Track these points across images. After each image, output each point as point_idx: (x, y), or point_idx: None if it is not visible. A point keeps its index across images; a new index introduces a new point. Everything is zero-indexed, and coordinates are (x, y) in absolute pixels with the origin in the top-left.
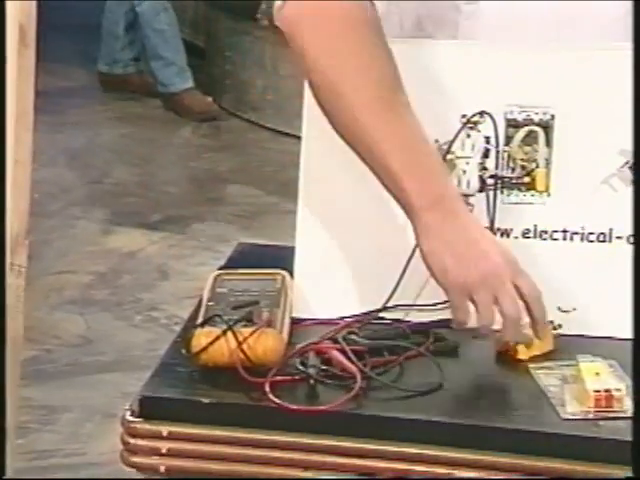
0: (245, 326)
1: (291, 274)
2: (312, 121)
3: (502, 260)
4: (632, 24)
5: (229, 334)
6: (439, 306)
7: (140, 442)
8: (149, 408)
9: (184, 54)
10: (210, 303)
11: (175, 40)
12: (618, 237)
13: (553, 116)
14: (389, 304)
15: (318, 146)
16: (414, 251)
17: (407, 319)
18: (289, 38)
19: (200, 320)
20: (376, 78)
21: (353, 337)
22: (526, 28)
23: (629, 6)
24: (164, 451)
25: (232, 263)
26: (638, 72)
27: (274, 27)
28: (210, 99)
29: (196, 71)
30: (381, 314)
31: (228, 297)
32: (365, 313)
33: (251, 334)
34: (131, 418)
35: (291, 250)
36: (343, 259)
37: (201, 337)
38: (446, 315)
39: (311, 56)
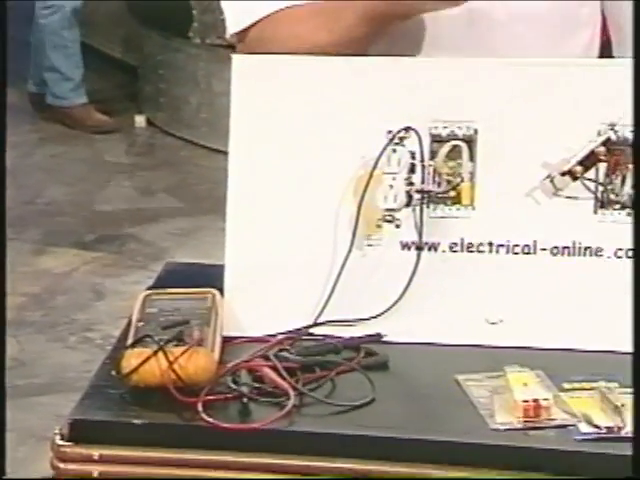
0: (176, 346)
1: (221, 292)
2: (239, 138)
3: None
4: (632, 24)
5: (160, 354)
6: (370, 321)
7: (71, 466)
8: (79, 431)
9: (82, 69)
10: (140, 324)
11: (76, 57)
12: (542, 249)
13: (476, 130)
14: (320, 320)
15: (245, 163)
16: (344, 266)
17: (338, 334)
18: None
19: (130, 341)
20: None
21: (285, 354)
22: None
23: None
24: (96, 475)
25: (161, 283)
26: (638, 73)
27: (207, 45)
28: (105, 117)
29: (129, 89)
30: (312, 330)
31: (158, 317)
32: (296, 329)
33: (182, 353)
34: (61, 442)
35: (221, 268)
36: (273, 276)
37: (131, 358)
38: (376, 329)
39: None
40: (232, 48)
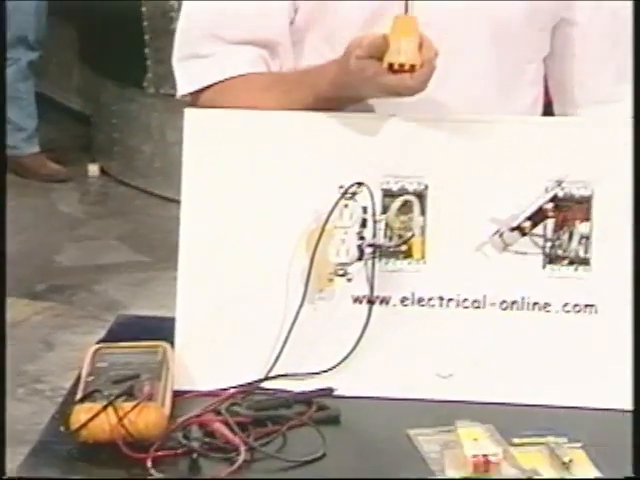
0: (126, 401)
1: (173, 345)
2: (191, 192)
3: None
4: (632, 25)
5: (109, 409)
6: (322, 375)
7: None
8: None
9: (36, 120)
10: (89, 378)
11: (30, 108)
12: (492, 303)
13: (427, 186)
14: (272, 374)
15: (197, 216)
16: (296, 320)
17: (290, 388)
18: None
19: (79, 396)
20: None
21: (236, 408)
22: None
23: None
24: None
25: (112, 336)
26: (638, 76)
27: (161, 95)
28: (58, 166)
29: (83, 139)
30: (264, 384)
31: (108, 371)
32: (248, 383)
33: (132, 409)
34: None
35: (172, 320)
36: (225, 329)
37: (80, 413)
38: (328, 383)
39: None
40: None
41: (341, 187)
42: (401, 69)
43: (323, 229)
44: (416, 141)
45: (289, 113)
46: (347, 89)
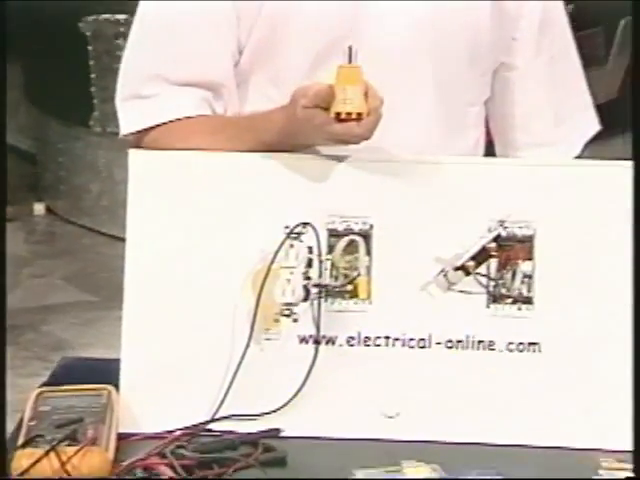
0: (69, 445)
1: (118, 388)
2: (136, 232)
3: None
4: (632, 25)
5: (52, 454)
6: (268, 416)
7: None
8: None
9: None
10: (32, 422)
11: None
12: (437, 342)
13: (372, 226)
14: (218, 415)
15: (142, 257)
16: (242, 360)
17: (236, 430)
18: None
19: (21, 441)
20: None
21: (182, 451)
22: None
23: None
24: None
25: (56, 379)
26: (637, 80)
27: (108, 133)
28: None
29: (28, 177)
30: (210, 426)
31: (51, 415)
32: (194, 425)
33: (75, 453)
34: None
35: (117, 362)
36: (170, 370)
37: (22, 459)
38: (275, 424)
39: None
40: None
41: (287, 227)
42: (348, 117)
43: (269, 269)
44: (361, 181)
45: (234, 154)
46: (294, 137)
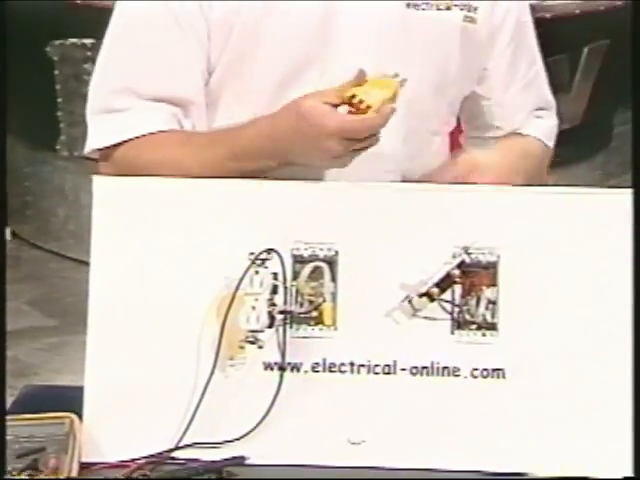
0: (30, 475)
1: (80, 416)
2: (100, 258)
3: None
4: (631, 26)
5: None
6: (233, 443)
7: None
8: None
9: None
10: None
11: None
12: (402, 369)
13: (337, 252)
14: (182, 443)
15: (107, 283)
16: (206, 388)
17: (201, 458)
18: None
19: None
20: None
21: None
22: None
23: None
24: None
25: (18, 407)
26: (637, 79)
27: (75, 157)
28: None
29: None
30: (174, 454)
31: (12, 445)
32: (158, 453)
33: None
34: None
35: (81, 390)
36: (134, 398)
37: None
38: (240, 452)
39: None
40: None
41: (251, 254)
42: (357, 108)
43: (234, 296)
44: (326, 207)
45: (199, 180)
46: (278, 143)
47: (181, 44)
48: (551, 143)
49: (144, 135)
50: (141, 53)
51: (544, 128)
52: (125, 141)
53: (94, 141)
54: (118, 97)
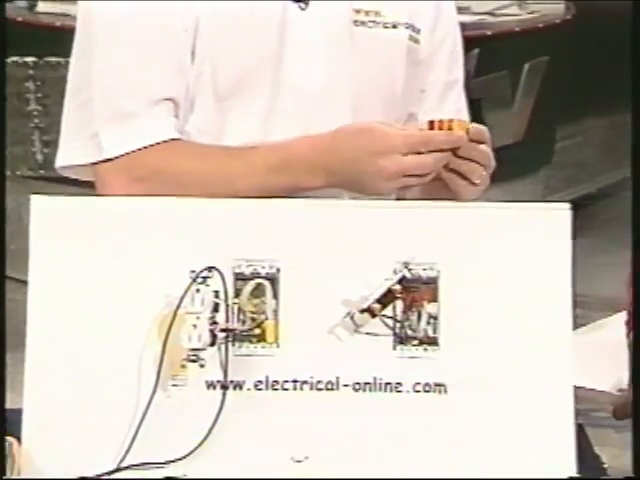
0: None
1: (19, 439)
2: (38, 278)
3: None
4: (631, 26)
5: None
6: (175, 463)
7: None
8: None
9: None
10: None
11: None
12: (345, 385)
13: (279, 269)
14: (124, 464)
15: (45, 304)
16: (148, 408)
17: (143, 478)
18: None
19: None
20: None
21: None
22: None
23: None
24: None
25: None
26: (637, 77)
27: (17, 176)
28: None
29: None
30: (115, 475)
31: None
32: (98, 475)
33: None
34: None
35: (20, 413)
36: (74, 419)
37: None
38: (182, 471)
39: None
40: (44, 180)
41: (192, 272)
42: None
43: (175, 315)
44: (267, 224)
45: (137, 199)
46: (331, 157)
47: (171, 44)
48: None
49: (160, 142)
50: (138, 56)
51: None
52: (140, 148)
53: (108, 150)
54: (128, 103)
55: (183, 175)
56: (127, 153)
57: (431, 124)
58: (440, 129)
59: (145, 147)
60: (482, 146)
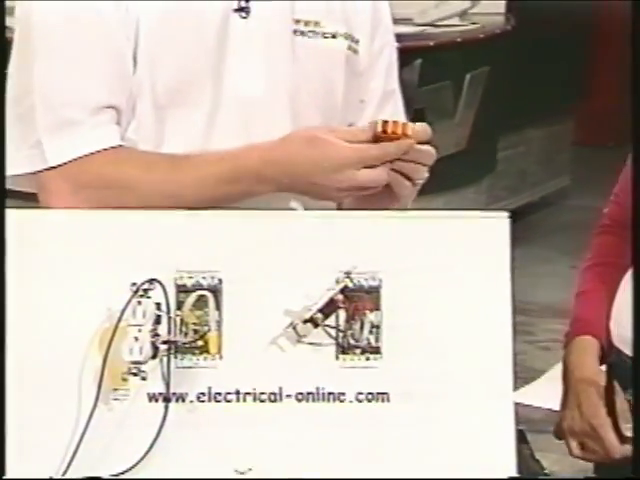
0: None
1: None
2: None
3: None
4: (631, 25)
5: None
6: (118, 477)
7: None
8: None
9: None
10: None
11: None
12: (288, 395)
13: (221, 280)
14: (65, 477)
15: None
16: (89, 422)
17: None
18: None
19: None
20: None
21: None
22: None
23: None
24: None
25: None
26: (637, 75)
27: None
28: None
29: None
30: None
31: None
32: None
33: None
34: None
35: None
36: (14, 435)
37: None
38: None
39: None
40: None
41: (133, 284)
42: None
43: (116, 327)
44: (208, 236)
45: (76, 211)
46: (285, 168)
47: (113, 51)
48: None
49: (105, 150)
50: (79, 63)
51: None
52: (83, 156)
53: (52, 158)
54: (70, 111)
55: (128, 183)
56: (71, 161)
57: (385, 125)
58: (394, 132)
59: (89, 154)
60: (425, 147)
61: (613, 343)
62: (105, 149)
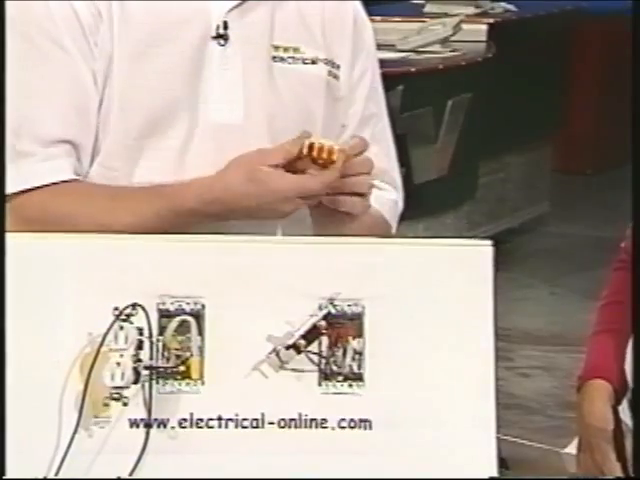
0: None
1: None
2: None
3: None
4: (632, 25)
5: None
6: None
7: None
8: None
9: None
10: None
11: None
12: (270, 422)
13: (204, 305)
14: None
15: None
16: (69, 447)
17: None
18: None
19: None
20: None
21: None
22: None
23: None
24: None
25: None
26: (637, 74)
27: None
28: None
29: None
30: None
31: None
32: None
33: None
34: None
35: None
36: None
37: None
38: None
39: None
40: None
41: (116, 309)
42: (318, 157)
43: (98, 352)
44: (191, 261)
45: (59, 235)
46: (226, 206)
47: (75, 87)
48: (393, 221)
49: (54, 183)
50: (35, 97)
51: (386, 201)
52: (39, 187)
53: (8, 186)
54: (23, 142)
55: (68, 218)
56: (17, 193)
57: (310, 147)
58: (319, 155)
59: (35, 188)
60: (360, 157)
61: (629, 384)
62: (55, 183)
